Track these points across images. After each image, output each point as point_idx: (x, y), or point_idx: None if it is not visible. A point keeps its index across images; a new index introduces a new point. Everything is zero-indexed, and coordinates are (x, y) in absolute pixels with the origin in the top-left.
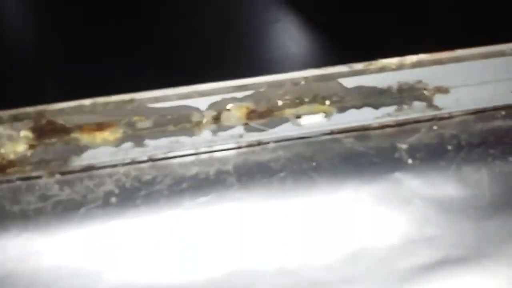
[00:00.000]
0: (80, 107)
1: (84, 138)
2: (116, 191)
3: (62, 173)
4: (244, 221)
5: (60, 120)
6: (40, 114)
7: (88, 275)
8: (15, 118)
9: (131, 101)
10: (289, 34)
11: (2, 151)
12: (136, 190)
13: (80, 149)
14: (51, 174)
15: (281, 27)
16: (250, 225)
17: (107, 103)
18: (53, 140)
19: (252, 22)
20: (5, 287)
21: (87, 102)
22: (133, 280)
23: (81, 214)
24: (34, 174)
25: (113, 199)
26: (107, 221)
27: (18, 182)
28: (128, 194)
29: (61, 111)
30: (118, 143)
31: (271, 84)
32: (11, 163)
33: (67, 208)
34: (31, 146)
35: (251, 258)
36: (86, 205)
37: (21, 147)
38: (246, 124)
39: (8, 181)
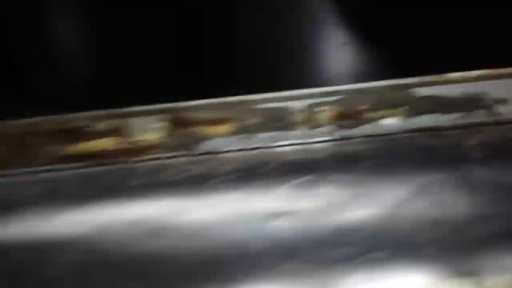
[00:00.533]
0: (204, 105)
1: (205, 130)
2: (235, 170)
3: (192, 155)
4: (336, 196)
5: (188, 115)
6: (177, 110)
7: (223, 228)
8: (158, 112)
9: (245, 102)
10: (359, 53)
11: (138, 138)
12: (251, 170)
13: (203, 138)
14: (183, 156)
15: (351, 47)
16: (340, 198)
17: (226, 103)
18: (181, 131)
19: (323, 44)
20: (161, 237)
21: (214, 101)
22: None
23: (209, 185)
24: (169, 155)
25: (233, 176)
26: (230, 193)
27: (159, 161)
28: (245, 173)
29: (195, 107)
30: (233, 134)
31: (356, 91)
32: (148, 147)
33: (198, 181)
34: (161, 137)
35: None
36: (213, 179)
37: (153, 137)
38: (334, 123)
39: (152, 159)
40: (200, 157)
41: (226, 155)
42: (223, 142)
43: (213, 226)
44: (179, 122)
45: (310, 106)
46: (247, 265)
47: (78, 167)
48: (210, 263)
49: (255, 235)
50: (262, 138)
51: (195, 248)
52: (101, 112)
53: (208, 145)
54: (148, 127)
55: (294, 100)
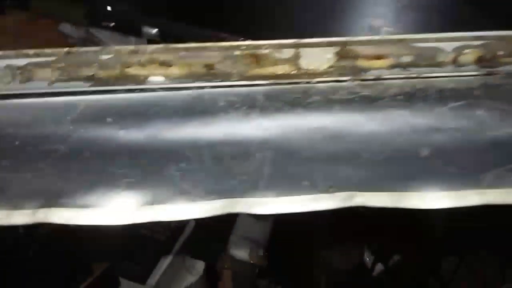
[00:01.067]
0: (371, 41)
1: (365, 63)
2: (398, 93)
3: (359, 80)
4: (487, 117)
5: (355, 49)
6: (346, 43)
7: (393, 138)
8: (329, 44)
9: (402, 40)
10: None
11: (311, 67)
12: (411, 95)
13: (365, 70)
14: (352, 80)
15: None
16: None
17: (387, 40)
18: (345, 63)
19: None
20: (339, 141)
21: (376, 37)
22: None
23: (378, 104)
24: (340, 78)
25: (398, 98)
26: (396, 111)
27: (332, 83)
28: (407, 97)
29: (359, 42)
30: (392, 67)
31: (499, 38)
32: (320, 74)
33: (367, 100)
34: (330, 66)
35: None
36: (380, 100)
37: (323, 65)
38: (477, 63)
39: (324, 82)
40: (366, 82)
41: (388, 81)
42: (383, 72)
43: (383, 136)
44: (345, 54)
45: (458, 48)
46: (415, 164)
47: (264, 85)
48: (383, 164)
49: (420, 144)
50: (416, 72)
51: (372, 150)
52: (283, 41)
53: (372, 73)
54: (319, 57)
55: (444, 42)
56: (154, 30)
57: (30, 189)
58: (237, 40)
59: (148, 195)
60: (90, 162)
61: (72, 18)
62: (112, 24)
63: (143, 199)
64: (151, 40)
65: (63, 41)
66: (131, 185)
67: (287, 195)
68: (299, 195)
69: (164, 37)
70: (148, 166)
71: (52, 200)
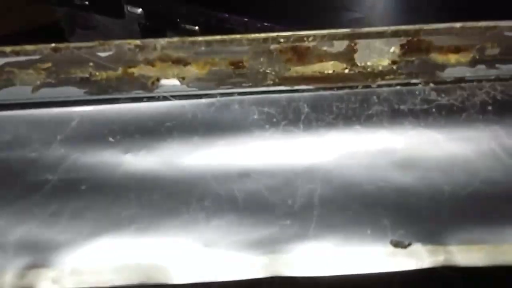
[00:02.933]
0: (450, 28)
1: (439, 58)
2: (490, 101)
3: (435, 83)
4: None
5: (427, 40)
6: (416, 32)
7: (482, 162)
8: (394, 34)
9: (493, 28)
10: None
11: (369, 63)
12: (506, 103)
13: (439, 67)
14: (426, 83)
15: None
16: None
17: (471, 28)
18: (413, 58)
19: None
20: (412, 169)
21: (457, 25)
22: None
23: (461, 118)
24: (410, 81)
25: (489, 108)
26: (485, 128)
27: (398, 87)
28: (500, 106)
29: (434, 31)
30: (471, 64)
31: None
32: (381, 73)
33: (447, 112)
34: (394, 62)
35: None
36: (464, 112)
37: (385, 62)
38: None
39: (388, 85)
40: (442, 85)
41: (473, 84)
42: (462, 71)
43: (471, 163)
44: (411, 48)
45: None
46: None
47: (309, 90)
48: (473, 202)
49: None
50: (506, 69)
51: (454, 182)
52: (331, 31)
53: (450, 73)
54: (380, 51)
55: None
56: (139, 10)
57: (11, 241)
58: (254, 27)
59: (162, 246)
60: (89, 199)
61: None
62: (86, 2)
63: (156, 251)
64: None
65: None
66: (141, 232)
67: (346, 248)
68: (364, 248)
69: (151, 20)
70: (163, 205)
71: (43, 257)
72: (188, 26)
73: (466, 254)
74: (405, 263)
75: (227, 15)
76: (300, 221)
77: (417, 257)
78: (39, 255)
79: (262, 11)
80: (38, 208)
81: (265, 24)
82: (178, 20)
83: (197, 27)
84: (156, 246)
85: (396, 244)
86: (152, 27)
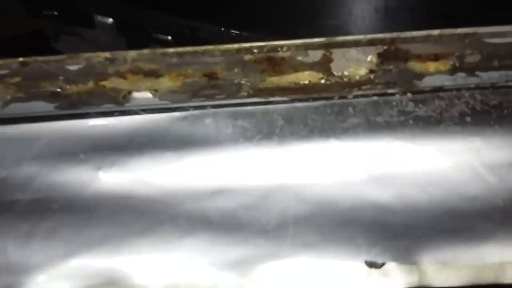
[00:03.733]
0: (428, 36)
1: (418, 66)
2: (469, 112)
3: (413, 93)
4: None
5: (405, 48)
6: (393, 40)
7: (463, 176)
8: (371, 43)
9: (472, 34)
10: None
11: (346, 73)
12: (486, 113)
13: (417, 76)
14: (404, 93)
15: None
16: None
17: (450, 35)
18: (391, 67)
19: None
20: (392, 185)
21: (435, 32)
22: None
23: (440, 129)
24: (387, 91)
25: (468, 119)
26: (465, 138)
27: (375, 98)
28: (480, 116)
29: (412, 39)
30: (451, 73)
31: None
32: (358, 83)
33: (425, 123)
34: (371, 71)
35: None
36: (443, 123)
37: (362, 71)
38: None
39: (365, 96)
40: (420, 95)
41: (452, 93)
42: (439, 81)
43: (450, 178)
44: (388, 57)
45: None
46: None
47: (284, 102)
48: (451, 220)
49: (502, 189)
50: (487, 78)
51: (435, 200)
52: (306, 41)
53: (428, 83)
54: (357, 60)
55: None
56: (109, 20)
57: None
58: (229, 36)
59: (136, 266)
60: (61, 219)
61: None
62: (55, 12)
63: (129, 272)
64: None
65: None
66: (114, 252)
67: (316, 267)
68: (337, 268)
69: (122, 31)
70: (136, 224)
71: (14, 280)
72: (161, 36)
73: (441, 274)
74: (380, 283)
75: (200, 24)
76: (274, 240)
77: (392, 277)
78: (11, 277)
79: (237, 19)
80: (9, 229)
81: (240, 33)
82: (150, 30)
83: (170, 37)
84: (129, 265)
85: (371, 264)
86: (124, 37)
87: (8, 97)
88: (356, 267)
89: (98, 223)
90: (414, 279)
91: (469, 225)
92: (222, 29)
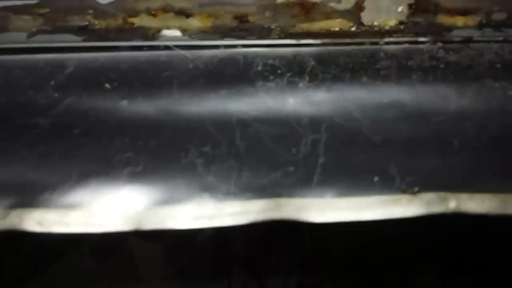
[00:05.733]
0: None
1: (447, 20)
2: (498, 60)
3: (444, 42)
4: None
5: (435, 1)
6: None
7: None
8: None
9: None
10: None
11: (376, 23)
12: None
13: (446, 28)
14: (434, 42)
15: None
16: None
17: None
18: (420, 19)
19: None
20: (421, 122)
21: None
22: None
23: (469, 75)
24: (418, 39)
25: (498, 65)
26: (496, 83)
27: (407, 45)
28: (510, 64)
29: None
30: (478, 27)
31: None
32: (388, 32)
33: (456, 69)
34: (400, 22)
35: None
36: (471, 69)
37: (392, 22)
38: None
39: (396, 43)
40: (450, 45)
41: (480, 45)
42: (469, 33)
43: (480, 116)
44: (419, 9)
45: None
46: None
47: (315, 45)
48: (482, 154)
49: None
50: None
51: (466, 135)
52: None
53: (456, 34)
54: (388, 10)
55: None
56: None
57: None
58: None
59: (159, 190)
60: (81, 143)
61: None
62: None
63: (152, 196)
64: None
65: None
66: (135, 176)
67: (351, 195)
68: (369, 195)
69: None
70: (160, 150)
71: (29, 197)
72: None
73: (478, 202)
74: (414, 209)
75: None
76: (304, 169)
77: (427, 204)
78: (24, 196)
79: None
80: (26, 149)
81: None
82: None
83: None
84: (150, 191)
85: (405, 191)
86: None
87: (34, 29)
88: (389, 195)
89: (119, 148)
90: (450, 206)
91: (502, 159)
92: None
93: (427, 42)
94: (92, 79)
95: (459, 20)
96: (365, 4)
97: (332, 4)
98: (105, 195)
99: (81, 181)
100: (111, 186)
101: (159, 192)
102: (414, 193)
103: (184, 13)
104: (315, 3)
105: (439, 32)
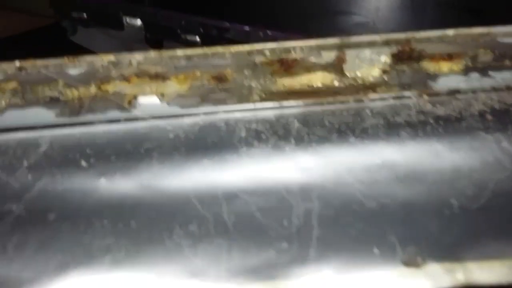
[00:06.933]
0: (443, 37)
1: (431, 66)
2: (488, 110)
3: (430, 95)
4: None
5: (419, 48)
6: (408, 40)
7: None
8: (385, 43)
9: (487, 34)
10: None
11: (359, 74)
12: (505, 112)
13: (431, 77)
14: (419, 95)
15: None
16: None
17: (465, 35)
18: (404, 67)
19: None
20: (413, 184)
21: (450, 32)
22: None
23: (460, 128)
24: (404, 94)
25: (489, 116)
26: (488, 135)
27: (392, 101)
28: (501, 113)
29: (427, 39)
30: (464, 73)
31: None
32: (372, 85)
33: (446, 123)
34: (384, 72)
35: None
36: (463, 121)
37: (375, 72)
38: None
39: (382, 99)
40: (436, 98)
41: (468, 95)
42: (453, 81)
43: (478, 173)
44: (402, 57)
45: None
46: None
47: (297, 106)
48: (485, 214)
49: None
50: (500, 79)
51: (465, 194)
52: (320, 41)
53: (439, 85)
54: (370, 60)
55: None
56: (138, 22)
57: None
58: (257, 36)
59: (144, 278)
60: (57, 229)
61: (34, 7)
62: (84, 14)
63: (136, 285)
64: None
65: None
66: (117, 264)
67: (351, 272)
68: (372, 269)
69: (150, 31)
70: (142, 231)
71: None
72: (188, 37)
73: (488, 271)
74: (421, 284)
75: (228, 24)
76: (298, 244)
77: (433, 277)
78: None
79: (265, 19)
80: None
81: (268, 32)
82: (178, 31)
83: (197, 37)
84: (135, 279)
85: (408, 263)
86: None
87: (3, 105)
88: (392, 269)
89: (99, 233)
90: (459, 278)
91: (507, 219)
92: (249, 28)
93: (412, 96)
94: (67, 157)
95: (444, 66)
96: (347, 57)
97: (313, 59)
98: (86, 287)
99: (59, 273)
100: (92, 277)
101: (144, 280)
102: (418, 265)
103: (161, 77)
104: (295, 60)
105: (424, 82)
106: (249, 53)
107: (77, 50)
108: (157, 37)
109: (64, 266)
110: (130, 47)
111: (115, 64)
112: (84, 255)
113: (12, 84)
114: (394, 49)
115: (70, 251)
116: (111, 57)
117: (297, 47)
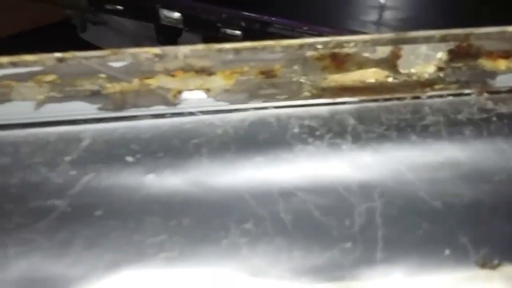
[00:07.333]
0: (503, 32)
1: (488, 64)
2: None
3: (490, 92)
4: None
5: (477, 44)
6: (467, 36)
7: None
8: (443, 39)
9: None
10: None
11: (413, 70)
12: None
13: (489, 74)
14: (480, 93)
15: None
16: None
17: None
18: (460, 64)
19: None
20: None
21: (510, 29)
22: None
23: None
24: (463, 91)
25: None
26: None
27: (451, 98)
28: None
29: (487, 35)
30: None
31: None
32: (428, 82)
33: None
34: (439, 68)
35: None
36: None
37: (431, 68)
38: None
39: (441, 96)
40: (497, 95)
41: None
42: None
43: None
44: (459, 54)
45: None
46: None
47: (351, 102)
48: None
49: None
50: None
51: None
52: (375, 36)
53: (499, 82)
54: (426, 56)
55: None
56: (176, 15)
57: (10, 279)
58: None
59: (202, 278)
60: (105, 226)
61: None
62: (120, 7)
63: (194, 285)
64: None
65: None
66: (171, 263)
67: (423, 274)
68: (445, 272)
69: (189, 25)
70: (196, 230)
71: None
72: (229, 31)
73: None
74: (496, 285)
75: (272, 18)
76: (363, 244)
77: (510, 279)
78: None
79: (309, 13)
80: (43, 237)
81: (313, 27)
82: (219, 24)
83: (239, 31)
84: (192, 277)
85: (483, 265)
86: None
87: (41, 98)
88: (465, 271)
89: (150, 230)
90: None
91: None
92: (294, 23)
93: (472, 93)
94: (111, 152)
95: (501, 63)
96: (402, 52)
97: (367, 54)
98: (140, 285)
99: (110, 272)
100: (146, 276)
101: (201, 279)
102: (493, 267)
103: (207, 72)
104: (347, 54)
105: (482, 79)
106: (300, 47)
107: (86, 48)
108: (195, 31)
109: (115, 264)
110: (140, 46)
111: (161, 57)
112: (136, 253)
113: (51, 77)
114: (452, 45)
115: (120, 249)
116: (156, 50)
117: (351, 41)
